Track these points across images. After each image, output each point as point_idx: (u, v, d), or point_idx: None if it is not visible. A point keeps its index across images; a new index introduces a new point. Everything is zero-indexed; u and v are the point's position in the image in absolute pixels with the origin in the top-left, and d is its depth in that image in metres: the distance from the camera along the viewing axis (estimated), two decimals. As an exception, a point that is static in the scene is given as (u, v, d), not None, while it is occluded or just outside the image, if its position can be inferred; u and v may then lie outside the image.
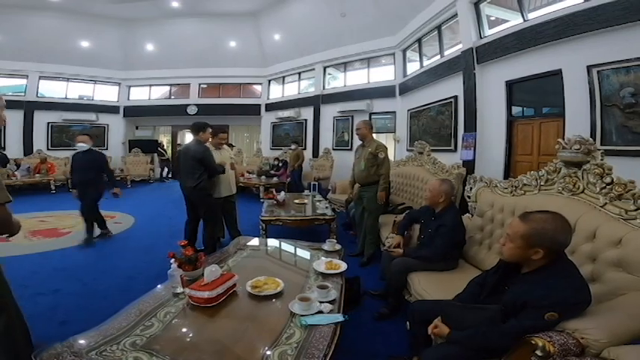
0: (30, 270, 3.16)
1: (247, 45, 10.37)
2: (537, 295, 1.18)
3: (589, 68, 3.46)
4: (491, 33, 4.95)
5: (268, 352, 1.18)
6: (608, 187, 1.69)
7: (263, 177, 7.91)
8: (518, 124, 4.55)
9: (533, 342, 1.11)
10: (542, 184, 2.19)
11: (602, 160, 1.79)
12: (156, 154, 11.98)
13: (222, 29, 9.97)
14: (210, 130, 3.65)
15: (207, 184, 3.50)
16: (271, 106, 11.04)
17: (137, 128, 12.60)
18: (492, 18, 5.13)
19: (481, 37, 5.03)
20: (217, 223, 3.73)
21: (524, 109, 4.60)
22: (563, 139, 2.01)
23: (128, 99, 11.73)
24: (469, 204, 2.85)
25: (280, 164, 8.68)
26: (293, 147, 8.55)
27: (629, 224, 1.52)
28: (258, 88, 11.65)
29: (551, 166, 2.13)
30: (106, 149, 11.24)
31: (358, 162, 3.72)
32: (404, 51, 7.54)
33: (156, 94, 12.11)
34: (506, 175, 4.50)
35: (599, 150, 1.84)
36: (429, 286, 2.00)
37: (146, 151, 11.55)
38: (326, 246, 2.39)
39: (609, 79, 3.32)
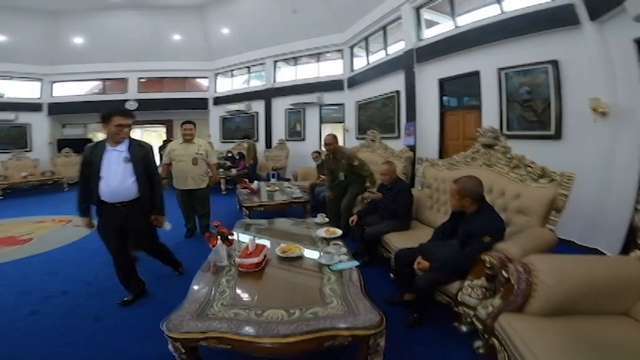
0: (19, 276, 3.16)
1: (192, 38, 10.16)
2: (476, 227, 1.95)
3: (499, 70, 4.47)
4: (428, 37, 5.84)
5: (323, 289, 1.72)
6: (509, 160, 2.57)
7: (221, 170, 8.06)
8: (448, 115, 5.59)
9: (483, 258, 1.85)
10: (469, 160, 3.06)
11: (505, 142, 2.67)
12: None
13: (165, 22, 9.63)
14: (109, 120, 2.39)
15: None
16: (220, 100, 11.01)
17: (64, 126, 11.53)
18: (425, 17, 6.00)
19: (420, 40, 5.91)
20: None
21: (454, 101, 5.63)
22: (481, 127, 2.87)
23: (52, 95, 10.68)
24: (419, 179, 3.67)
25: (237, 157, 8.89)
26: (245, 143, 8.80)
27: (523, 184, 2.40)
28: (204, 81, 11.46)
29: (474, 148, 3.01)
30: (30, 151, 10.20)
31: (331, 175, 4.05)
32: (352, 47, 8.26)
33: (85, 90, 11.21)
34: (441, 156, 5.52)
35: (504, 135, 2.72)
36: (403, 241, 2.69)
37: (79, 150, 10.67)
38: (317, 219, 3.05)
39: (512, 80, 4.36)
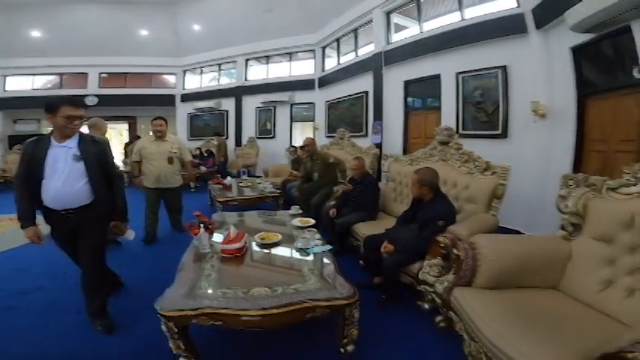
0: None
1: (161, 34, 9.90)
2: (432, 213, 2.26)
3: (457, 74, 4.89)
4: (396, 40, 6.20)
5: (302, 270, 1.93)
6: (460, 156, 2.93)
7: (190, 167, 7.98)
8: (412, 115, 6.01)
9: (438, 240, 2.15)
10: (427, 156, 3.41)
11: (458, 140, 3.03)
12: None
13: (132, 17, 9.30)
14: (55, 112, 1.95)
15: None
16: (188, 97, 10.83)
17: (15, 122, 10.80)
18: (395, 21, 6.38)
19: (389, 43, 6.26)
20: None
21: (417, 102, 6.03)
22: (439, 127, 3.22)
23: (4, 90, 10.01)
24: (385, 174, 3.98)
25: (206, 154, 8.83)
26: (215, 140, 8.76)
27: (471, 176, 2.76)
28: (171, 78, 11.18)
29: (432, 145, 3.36)
30: (-21, 149, 9.51)
31: (306, 175, 4.28)
32: (323, 48, 8.52)
33: (39, 84, 10.56)
34: (404, 153, 5.90)
35: (457, 134, 3.09)
36: (371, 230, 2.93)
37: (32, 147, 10.07)
38: (291, 211, 3.26)
39: (468, 83, 4.80)
